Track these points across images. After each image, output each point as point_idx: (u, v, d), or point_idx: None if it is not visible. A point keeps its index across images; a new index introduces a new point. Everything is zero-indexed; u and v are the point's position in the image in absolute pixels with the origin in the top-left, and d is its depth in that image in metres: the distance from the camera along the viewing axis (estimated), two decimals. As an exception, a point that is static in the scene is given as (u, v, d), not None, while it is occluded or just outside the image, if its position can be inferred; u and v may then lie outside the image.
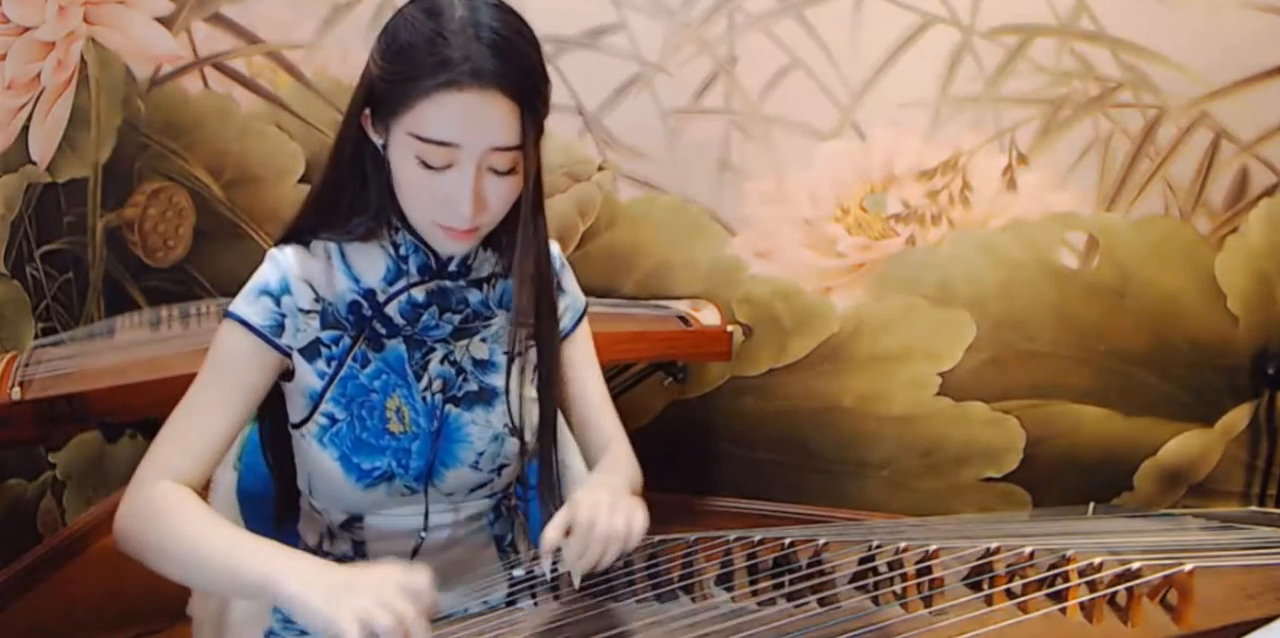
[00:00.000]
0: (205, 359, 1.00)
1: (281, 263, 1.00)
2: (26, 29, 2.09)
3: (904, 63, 2.08)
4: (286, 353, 1.00)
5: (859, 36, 2.08)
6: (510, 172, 0.94)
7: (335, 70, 2.27)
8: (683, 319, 2.11)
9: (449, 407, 1.05)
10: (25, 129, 2.11)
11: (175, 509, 0.91)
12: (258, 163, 2.36)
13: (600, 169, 2.24)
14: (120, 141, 2.37)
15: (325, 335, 1.01)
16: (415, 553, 1.10)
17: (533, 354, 1.09)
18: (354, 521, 1.09)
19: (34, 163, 2.15)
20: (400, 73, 0.90)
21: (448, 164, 0.91)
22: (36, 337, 2.14)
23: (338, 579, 0.80)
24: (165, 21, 2.31)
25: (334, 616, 0.75)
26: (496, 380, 1.08)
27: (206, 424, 0.97)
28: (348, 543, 1.10)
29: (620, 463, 1.09)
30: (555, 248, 1.12)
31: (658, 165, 2.22)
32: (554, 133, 2.21)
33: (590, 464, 1.15)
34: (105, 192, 2.38)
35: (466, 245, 1.00)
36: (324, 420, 1.03)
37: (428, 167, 0.91)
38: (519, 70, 0.91)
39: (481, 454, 1.07)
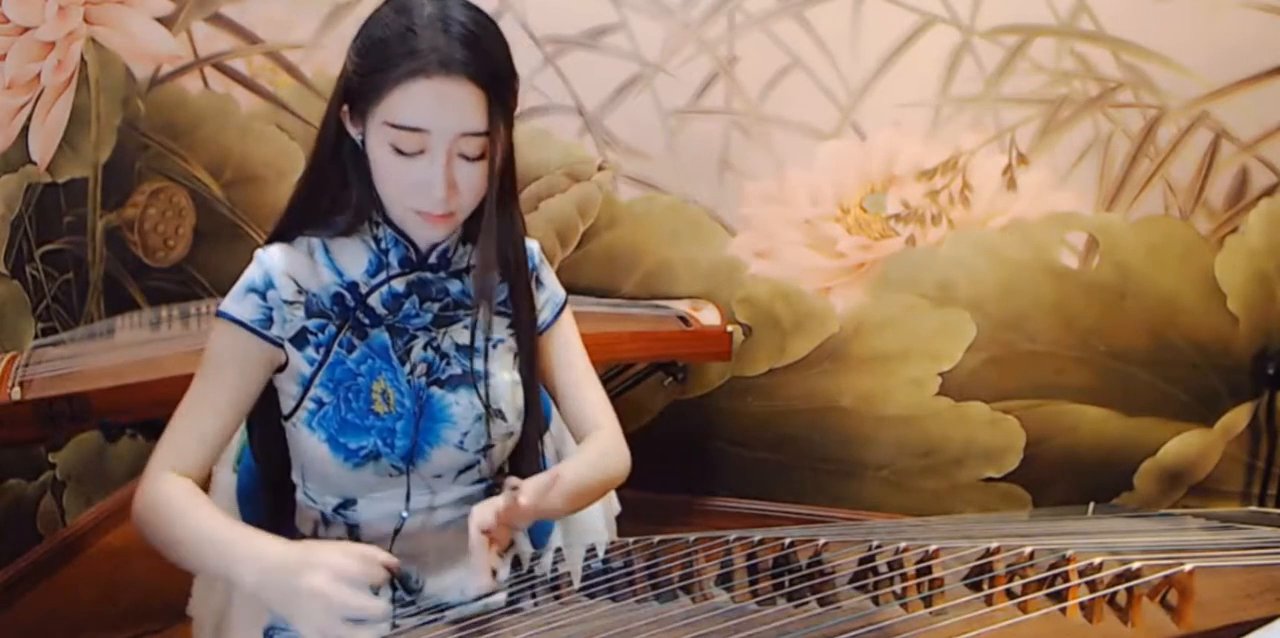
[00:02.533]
0: (202, 358, 1.05)
1: (264, 261, 1.06)
2: (26, 29, 2.09)
3: (904, 63, 2.08)
4: (279, 344, 1.05)
5: (859, 36, 2.08)
6: (480, 157, 0.98)
7: (335, 70, 2.26)
8: (683, 319, 2.11)
9: (433, 388, 1.10)
10: (25, 129, 2.11)
11: (171, 501, 0.97)
12: (258, 163, 2.37)
13: (600, 169, 2.24)
14: (120, 141, 2.38)
15: (311, 323, 1.06)
16: (396, 534, 1.12)
17: (513, 341, 1.14)
18: (346, 505, 1.12)
19: (34, 163, 2.15)
20: (373, 66, 0.96)
21: (420, 150, 0.96)
22: (36, 337, 2.14)
23: (287, 567, 0.86)
24: (165, 21, 2.31)
25: (289, 601, 0.84)
26: (478, 364, 1.12)
27: (206, 420, 1.02)
28: (341, 528, 1.13)
29: (583, 457, 1.11)
30: (534, 245, 1.17)
31: (658, 165, 2.22)
32: (554, 133, 2.22)
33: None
34: (105, 192, 2.38)
35: (443, 231, 1.04)
36: (312, 405, 1.07)
37: (401, 153, 0.96)
38: (485, 60, 0.95)
39: (466, 434, 1.11)
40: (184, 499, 0.97)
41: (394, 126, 0.95)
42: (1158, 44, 1.98)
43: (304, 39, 2.27)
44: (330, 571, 0.83)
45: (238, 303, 1.04)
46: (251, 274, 1.05)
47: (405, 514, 1.12)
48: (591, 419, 1.17)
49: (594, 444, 1.14)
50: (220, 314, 1.04)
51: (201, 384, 1.03)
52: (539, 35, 2.16)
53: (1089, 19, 2.00)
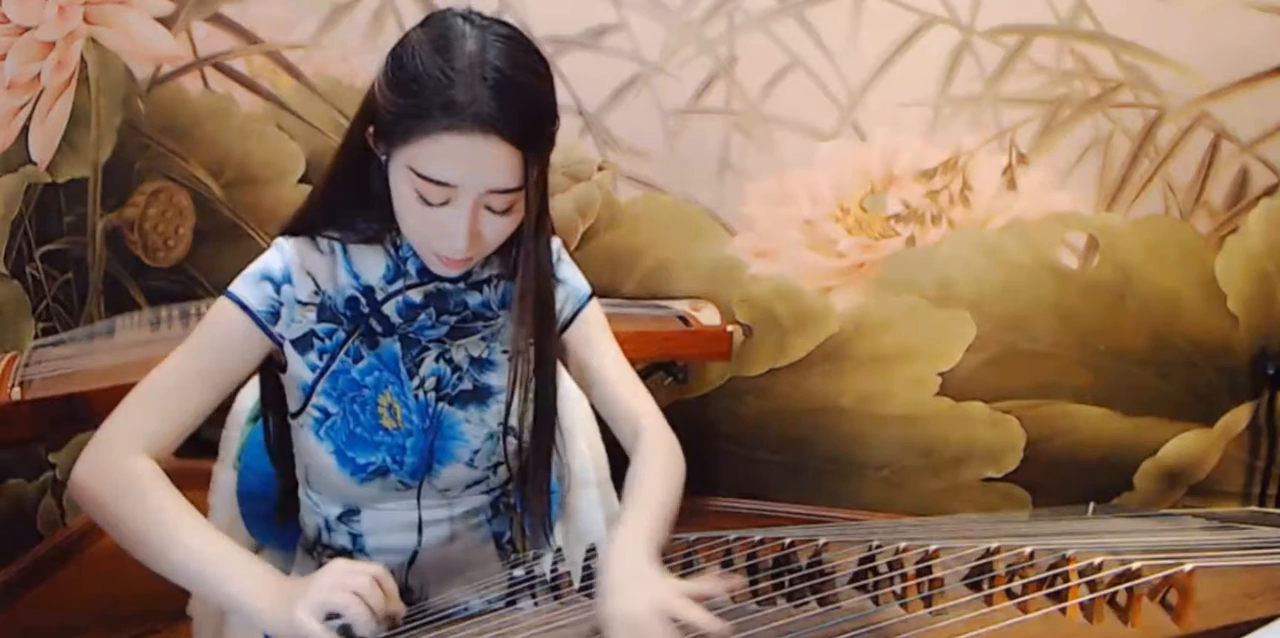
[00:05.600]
0: (194, 330, 1.00)
1: (287, 252, 1.01)
2: (26, 29, 2.09)
3: (904, 63, 2.08)
4: (278, 342, 1.01)
5: (859, 36, 2.08)
6: (508, 210, 0.94)
7: (335, 70, 2.27)
8: (683, 319, 2.11)
9: (442, 404, 1.06)
10: (25, 129, 2.11)
11: (147, 494, 0.92)
12: (258, 163, 2.36)
13: (600, 169, 2.24)
14: (120, 142, 2.37)
15: (320, 328, 1.02)
16: (414, 557, 1.11)
17: (531, 353, 1.08)
18: (350, 513, 1.10)
19: (34, 163, 2.15)
20: (404, 107, 0.89)
21: (444, 201, 0.92)
22: (36, 337, 2.14)
23: (284, 591, 0.85)
24: (165, 21, 2.31)
25: (290, 622, 0.82)
26: (492, 379, 1.09)
27: (186, 395, 0.97)
28: (345, 535, 1.11)
29: (652, 477, 1.02)
30: (556, 242, 1.11)
31: (658, 165, 2.22)
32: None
33: (626, 449, 1.09)
34: (105, 192, 2.38)
35: (460, 271, 1.01)
36: (318, 414, 1.04)
37: (426, 202, 0.92)
38: (523, 114, 0.89)
39: (477, 452, 1.08)
40: (168, 490, 0.92)
41: (419, 176, 0.90)
42: (1158, 44, 1.98)
43: (304, 39, 2.27)
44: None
45: (249, 287, 0.99)
46: (269, 262, 1.01)
47: (419, 547, 1.10)
48: (628, 411, 1.09)
49: (651, 460, 1.04)
50: (227, 294, 1.00)
51: (184, 359, 0.98)
52: (539, 35, 2.15)
53: (1089, 19, 1.99)
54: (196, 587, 0.90)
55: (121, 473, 0.93)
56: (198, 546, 0.89)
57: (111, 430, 0.95)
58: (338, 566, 0.86)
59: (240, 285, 1.00)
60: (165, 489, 0.93)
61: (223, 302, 1.00)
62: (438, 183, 0.90)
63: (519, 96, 0.89)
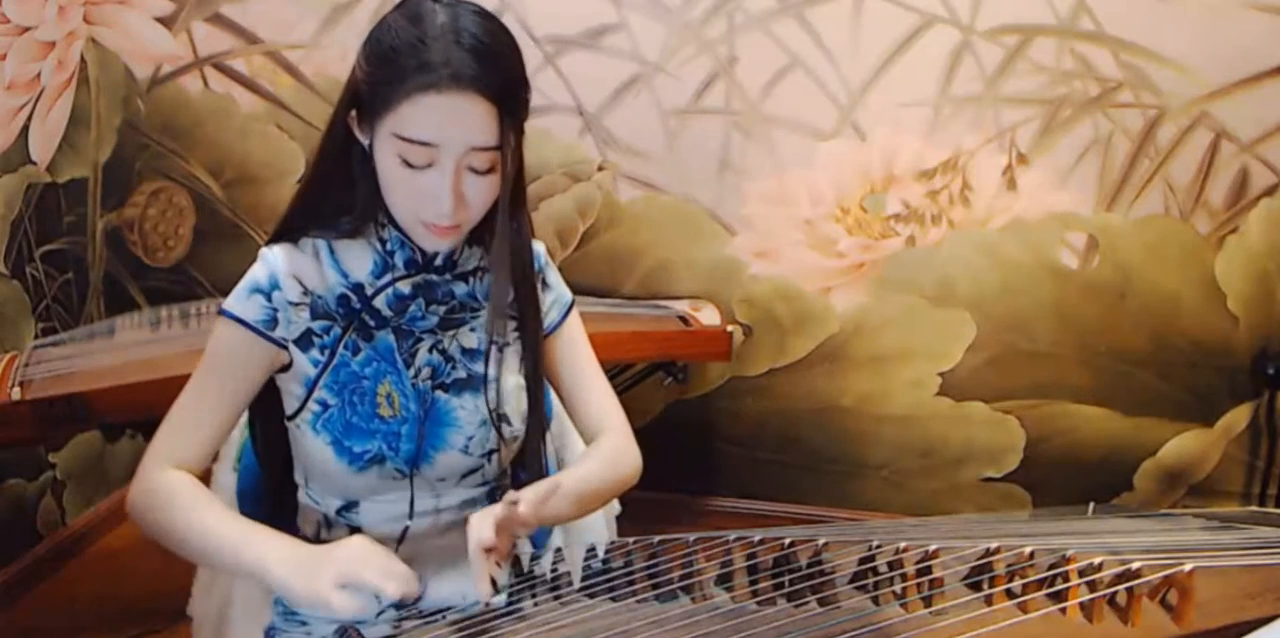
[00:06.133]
0: (203, 354, 1.05)
1: (270, 261, 1.05)
2: (26, 29, 2.09)
3: (904, 63, 2.08)
4: (282, 345, 1.05)
5: (859, 36, 2.08)
6: (490, 171, 0.98)
7: (335, 70, 2.27)
8: (683, 319, 2.11)
9: (438, 392, 1.09)
10: (25, 129, 2.11)
11: (176, 496, 0.98)
12: (258, 163, 2.37)
13: (600, 169, 2.24)
14: (120, 142, 2.38)
15: (316, 326, 1.06)
16: (402, 539, 1.12)
17: (519, 345, 1.13)
18: (349, 507, 1.12)
19: (34, 163, 2.15)
20: (383, 76, 0.94)
21: (429, 163, 0.95)
22: (36, 337, 2.14)
23: (312, 558, 0.90)
24: (165, 21, 2.31)
25: (316, 592, 0.87)
26: (486, 368, 1.11)
27: (205, 416, 1.03)
28: (344, 530, 1.13)
29: (588, 461, 1.12)
30: (540, 246, 1.16)
31: (658, 165, 2.22)
32: (554, 133, 2.22)
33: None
34: (105, 192, 2.38)
35: (449, 242, 1.04)
36: (317, 407, 1.07)
37: (410, 165, 0.96)
38: (498, 74, 0.94)
39: (471, 438, 1.10)
40: (192, 490, 0.99)
41: (402, 139, 0.94)
42: (1158, 44, 1.98)
43: (304, 39, 2.27)
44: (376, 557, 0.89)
45: (241, 302, 1.04)
46: (256, 274, 1.05)
47: (410, 523, 1.12)
48: (598, 421, 1.16)
49: (600, 448, 1.14)
50: (223, 312, 1.04)
51: (201, 381, 1.04)
52: (539, 35, 2.16)
53: (1089, 19, 2.00)
54: (235, 566, 0.95)
55: (154, 486, 1.00)
56: (218, 525, 0.96)
57: (147, 458, 1.02)
58: (356, 543, 0.91)
59: (233, 302, 1.04)
60: (193, 489, 0.99)
61: (221, 321, 1.04)
62: (420, 143, 0.93)
63: (493, 57, 0.94)
